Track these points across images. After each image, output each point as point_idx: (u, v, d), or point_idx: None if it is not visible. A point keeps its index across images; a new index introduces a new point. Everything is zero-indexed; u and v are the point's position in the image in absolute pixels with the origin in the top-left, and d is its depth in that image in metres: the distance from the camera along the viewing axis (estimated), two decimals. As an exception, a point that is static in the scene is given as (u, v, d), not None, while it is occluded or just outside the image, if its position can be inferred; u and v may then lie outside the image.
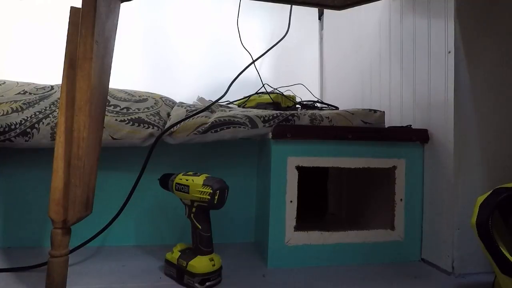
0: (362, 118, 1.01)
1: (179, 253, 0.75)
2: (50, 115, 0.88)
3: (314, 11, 1.76)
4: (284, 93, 1.31)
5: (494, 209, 0.62)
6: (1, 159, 0.93)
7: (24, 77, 1.15)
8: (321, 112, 1.02)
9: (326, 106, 1.31)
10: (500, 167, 0.84)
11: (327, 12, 1.72)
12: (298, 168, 0.86)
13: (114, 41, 0.69)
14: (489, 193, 0.65)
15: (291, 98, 1.31)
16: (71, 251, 0.68)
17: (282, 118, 0.95)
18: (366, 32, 1.30)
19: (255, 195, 1.05)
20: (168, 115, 1.00)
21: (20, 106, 0.90)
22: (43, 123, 0.87)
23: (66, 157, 0.59)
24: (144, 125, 0.90)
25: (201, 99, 1.25)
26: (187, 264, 0.72)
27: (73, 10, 0.63)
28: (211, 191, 0.70)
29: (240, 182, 1.04)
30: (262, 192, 0.97)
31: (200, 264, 0.71)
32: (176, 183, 0.76)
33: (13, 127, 0.85)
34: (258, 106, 1.25)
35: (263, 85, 1.33)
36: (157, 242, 0.99)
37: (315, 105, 1.33)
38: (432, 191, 0.90)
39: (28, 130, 0.85)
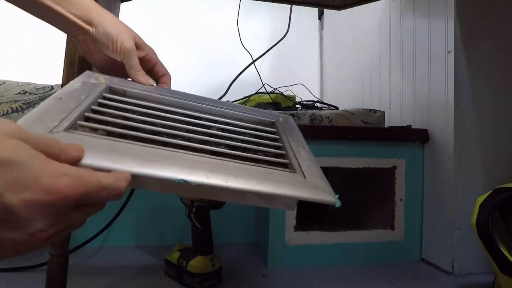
0: (362, 118, 1.01)
1: (179, 253, 0.75)
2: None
3: (314, 11, 1.76)
4: (284, 93, 1.31)
5: (494, 209, 0.62)
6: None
7: (24, 77, 1.15)
8: (321, 112, 1.02)
9: (326, 106, 1.31)
10: (500, 167, 0.84)
11: (327, 12, 1.72)
12: (298, 168, 0.85)
13: (114, 41, 0.69)
14: (489, 193, 0.65)
15: (291, 98, 1.31)
16: (71, 251, 0.68)
17: (282, 118, 0.95)
18: (366, 32, 1.30)
19: (255, 195, 1.05)
20: (168, 115, 1.00)
21: (20, 106, 0.90)
22: (43, 123, 0.86)
23: (66, 157, 0.59)
24: (144, 125, 0.90)
25: (201, 99, 1.25)
26: (187, 264, 0.72)
27: (73, 10, 0.63)
28: (211, 191, 0.70)
29: (240, 182, 1.04)
30: (262, 192, 0.97)
31: (200, 264, 0.71)
32: (176, 183, 0.76)
33: (13, 127, 0.84)
34: (258, 106, 1.25)
35: (263, 85, 1.33)
36: (157, 242, 0.99)
37: (315, 105, 1.33)
38: (432, 191, 0.89)
39: (28, 130, 0.85)
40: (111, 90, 0.42)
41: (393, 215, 0.91)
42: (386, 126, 1.03)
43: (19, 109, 0.89)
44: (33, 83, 1.06)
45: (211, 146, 0.36)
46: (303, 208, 0.88)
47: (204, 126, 0.41)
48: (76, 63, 0.59)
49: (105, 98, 0.39)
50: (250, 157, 0.37)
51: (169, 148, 0.33)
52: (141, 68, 0.47)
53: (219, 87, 1.29)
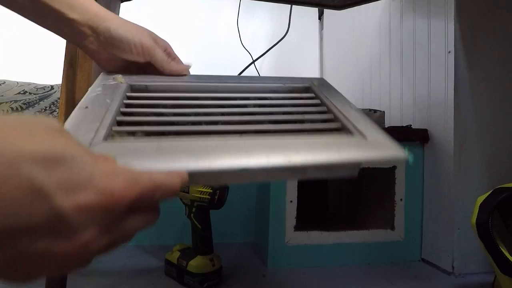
0: (362, 118, 1.00)
1: (179, 253, 0.75)
2: (50, 115, 0.88)
3: (314, 11, 1.76)
4: (284, 93, 1.31)
5: (494, 209, 0.62)
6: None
7: (24, 77, 1.15)
8: (321, 112, 1.02)
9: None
10: (500, 167, 0.84)
11: (327, 12, 1.72)
12: (298, 168, 0.85)
13: (114, 41, 0.69)
14: (489, 193, 0.65)
15: (291, 98, 1.31)
16: (71, 251, 0.68)
17: (282, 118, 0.95)
18: (366, 32, 1.30)
19: (255, 195, 1.05)
20: (168, 115, 1.00)
21: (20, 106, 0.90)
22: (43, 123, 0.86)
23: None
24: (144, 125, 0.90)
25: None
26: (187, 264, 0.72)
27: (73, 10, 0.63)
28: (211, 191, 0.70)
29: (240, 182, 1.04)
30: (262, 192, 0.97)
31: (200, 264, 0.71)
32: (176, 183, 0.76)
33: (13, 127, 0.84)
34: (258, 106, 1.25)
35: (263, 85, 1.33)
36: (157, 242, 0.99)
37: (315, 105, 1.33)
38: (432, 191, 0.89)
39: (28, 130, 0.85)
40: (132, 88, 0.40)
41: (393, 215, 0.91)
42: (386, 126, 1.03)
43: (19, 109, 0.89)
44: (33, 83, 1.06)
45: (254, 125, 0.34)
46: (303, 208, 0.88)
47: (239, 106, 0.38)
48: (76, 63, 0.59)
49: (129, 97, 0.38)
50: (299, 129, 0.34)
51: (214, 137, 0.30)
52: (169, 59, 0.44)
53: (219, 87, 1.29)
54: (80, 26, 0.39)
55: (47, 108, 0.90)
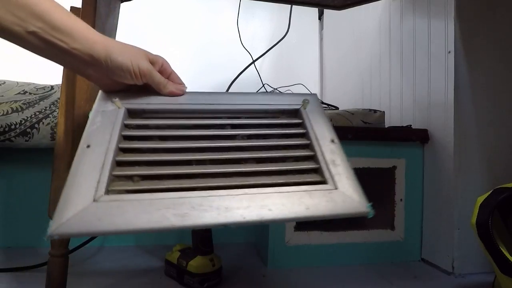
0: (362, 118, 1.00)
1: (179, 253, 0.75)
2: (50, 115, 0.88)
3: (314, 11, 1.76)
4: (284, 93, 1.31)
5: (494, 209, 0.62)
6: (1, 159, 0.93)
7: (24, 77, 1.15)
8: (321, 112, 1.02)
9: (326, 106, 1.31)
10: (500, 167, 0.84)
11: (327, 12, 1.72)
12: (298, 168, 0.85)
13: (114, 41, 0.69)
14: (489, 193, 0.65)
15: (291, 98, 1.31)
16: (71, 251, 0.68)
17: (282, 118, 0.95)
18: (366, 32, 1.30)
19: (255, 195, 1.05)
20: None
21: (20, 106, 0.90)
22: (43, 123, 0.86)
23: (66, 157, 0.59)
24: (144, 125, 0.90)
25: (201, 99, 1.25)
26: (187, 264, 0.72)
27: (73, 10, 0.63)
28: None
29: (240, 182, 1.04)
30: (262, 192, 0.96)
31: (200, 264, 0.71)
32: (176, 183, 0.76)
33: (13, 127, 0.84)
34: (258, 106, 1.25)
35: (263, 85, 1.33)
36: (157, 242, 0.99)
37: (315, 105, 1.33)
38: (432, 191, 0.90)
39: (28, 130, 0.85)
40: (129, 112, 0.44)
41: (393, 215, 0.91)
42: (386, 126, 1.03)
43: (19, 109, 0.89)
44: (33, 83, 1.05)
45: (239, 166, 0.39)
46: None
47: (229, 137, 0.43)
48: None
49: (127, 126, 0.41)
50: (280, 170, 0.39)
51: (201, 184, 0.36)
52: (167, 80, 0.47)
53: (219, 87, 1.29)
54: (82, 55, 0.40)
55: (47, 108, 0.90)
